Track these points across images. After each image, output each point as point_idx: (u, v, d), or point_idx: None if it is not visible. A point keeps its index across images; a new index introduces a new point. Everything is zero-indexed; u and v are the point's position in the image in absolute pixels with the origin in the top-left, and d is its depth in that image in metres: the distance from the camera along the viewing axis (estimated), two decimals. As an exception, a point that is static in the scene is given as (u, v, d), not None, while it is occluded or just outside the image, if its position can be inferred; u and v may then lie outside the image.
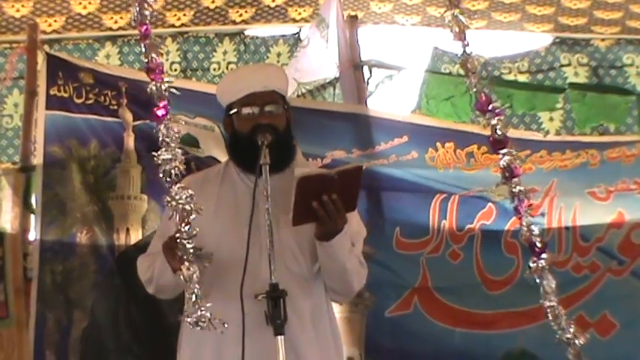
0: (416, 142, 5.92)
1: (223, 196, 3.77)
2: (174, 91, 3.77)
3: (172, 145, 3.77)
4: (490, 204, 6.06)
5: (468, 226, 5.99)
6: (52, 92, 5.44)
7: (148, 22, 4.09)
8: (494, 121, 5.25)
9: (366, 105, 6.43)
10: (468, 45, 4.83)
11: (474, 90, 5.06)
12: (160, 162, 3.67)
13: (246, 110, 3.74)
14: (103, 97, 5.36)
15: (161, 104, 4.11)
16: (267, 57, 7.77)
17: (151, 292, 3.83)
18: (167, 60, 7.70)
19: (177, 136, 4.08)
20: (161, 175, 3.67)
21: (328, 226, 3.54)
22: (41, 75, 5.56)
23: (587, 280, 6.13)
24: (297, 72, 6.90)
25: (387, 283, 5.78)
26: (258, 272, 3.52)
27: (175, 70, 7.69)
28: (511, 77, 8.14)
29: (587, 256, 6.15)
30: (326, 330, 3.75)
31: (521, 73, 8.18)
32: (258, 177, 3.53)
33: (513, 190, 5.15)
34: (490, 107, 5.28)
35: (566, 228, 6.16)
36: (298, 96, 6.75)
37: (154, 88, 3.91)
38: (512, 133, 6.37)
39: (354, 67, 6.59)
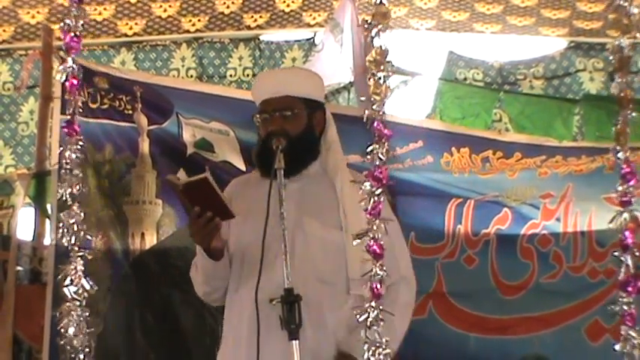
0: (431, 146, 5.89)
1: (252, 200, 3.77)
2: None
3: (77, 165, 3.78)
4: (505, 209, 6.03)
5: (484, 231, 5.97)
6: (67, 97, 5.44)
7: (76, 32, 4.06)
8: (382, 150, 5.23)
9: (381, 110, 6.42)
10: (378, 32, 4.78)
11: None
12: (60, 181, 3.67)
13: (260, 117, 3.76)
14: (117, 102, 5.34)
15: (75, 124, 4.12)
16: (283, 62, 7.78)
17: (205, 293, 3.85)
18: (183, 66, 7.71)
19: (81, 161, 4.08)
20: (61, 194, 3.69)
21: None
22: (56, 80, 5.56)
23: (603, 285, 6.09)
24: (311, 76, 6.90)
25: (401, 288, 5.75)
26: (274, 276, 3.51)
27: (191, 76, 7.70)
28: (526, 83, 8.12)
29: (603, 262, 6.12)
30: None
31: (536, 78, 8.15)
32: (274, 181, 3.54)
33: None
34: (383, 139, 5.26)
35: (582, 233, 6.13)
36: (313, 100, 6.74)
37: (72, 102, 3.90)
38: (527, 138, 6.41)
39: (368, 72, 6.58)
